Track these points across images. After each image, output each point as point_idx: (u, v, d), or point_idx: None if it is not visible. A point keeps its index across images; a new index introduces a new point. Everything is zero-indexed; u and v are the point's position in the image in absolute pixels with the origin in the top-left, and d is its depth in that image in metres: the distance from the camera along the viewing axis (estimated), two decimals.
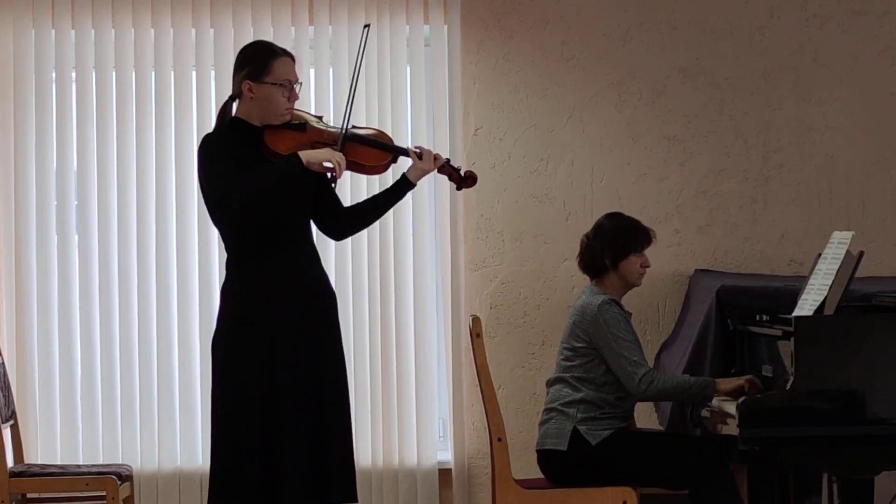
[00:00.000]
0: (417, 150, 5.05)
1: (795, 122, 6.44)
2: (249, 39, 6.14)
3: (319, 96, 6.35)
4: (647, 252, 5.41)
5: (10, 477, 5.70)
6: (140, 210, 6.37)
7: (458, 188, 5.18)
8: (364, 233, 5.99)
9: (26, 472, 5.79)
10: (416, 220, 6.37)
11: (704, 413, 5.34)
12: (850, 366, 4.83)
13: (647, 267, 5.41)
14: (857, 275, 5.02)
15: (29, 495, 5.91)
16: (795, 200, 6.43)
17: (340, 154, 4.83)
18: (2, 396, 5.90)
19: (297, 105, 4.99)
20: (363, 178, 6.13)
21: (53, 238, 6.39)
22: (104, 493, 5.71)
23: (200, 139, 6.17)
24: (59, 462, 6.27)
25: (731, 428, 4.99)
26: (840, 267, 5.04)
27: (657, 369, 6.00)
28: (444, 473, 6.36)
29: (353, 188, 6.23)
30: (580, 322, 5.30)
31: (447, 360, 6.37)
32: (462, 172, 5.12)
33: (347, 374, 5.02)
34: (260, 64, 4.90)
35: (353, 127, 5.01)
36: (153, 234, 6.37)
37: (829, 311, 4.99)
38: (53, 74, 6.39)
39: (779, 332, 5.17)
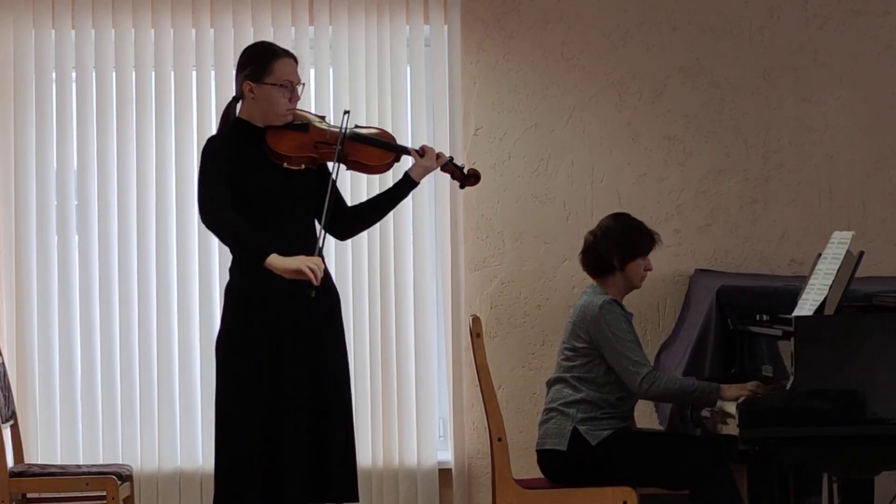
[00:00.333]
0: (419, 149, 5.05)
1: (795, 122, 6.44)
2: (249, 39, 6.16)
3: (319, 96, 6.35)
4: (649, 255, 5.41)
5: (11, 477, 5.70)
6: (140, 210, 6.37)
7: (462, 186, 5.19)
8: (364, 233, 5.98)
9: (26, 472, 5.79)
10: (416, 220, 6.37)
11: (704, 413, 5.34)
12: (850, 366, 4.83)
13: (650, 270, 5.41)
14: (857, 275, 5.02)
15: (29, 495, 5.91)
16: (795, 200, 6.43)
17: (316, 260, 4.74)
18: (2, 396, 5.90)
19: (297, 104, 4.99)
20: (364, 177, 6.13)
21: (53, 238, 6.39)
22: (104, 493, 5.71)
23: (200, 139, 6.24)
24: (59, 462, 6.27)
25: (731, 428, 4.99)
26: (840, 267, 5.04)
27: (658, 370, 6.00)
28: (444, 473, 6.37)
29: (354, 187, 6.23)
30: (581, 322, 5.30)
31: (447, 360, 6.37)
32: (465, 171, 5.13)
33: (350, 375, 5.02)
34: (261, 65, 4.90)
35: (356, 126, 5.01)
36: (153, 234, 6.37)
37: (829, 311, 4.99)
38: (53, 74, 6.39)
39: (779, 332, 5.18)
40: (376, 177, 6.06)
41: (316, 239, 4.90)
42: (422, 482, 6.33)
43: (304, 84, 5.00)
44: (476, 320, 5.39)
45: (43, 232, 6.37)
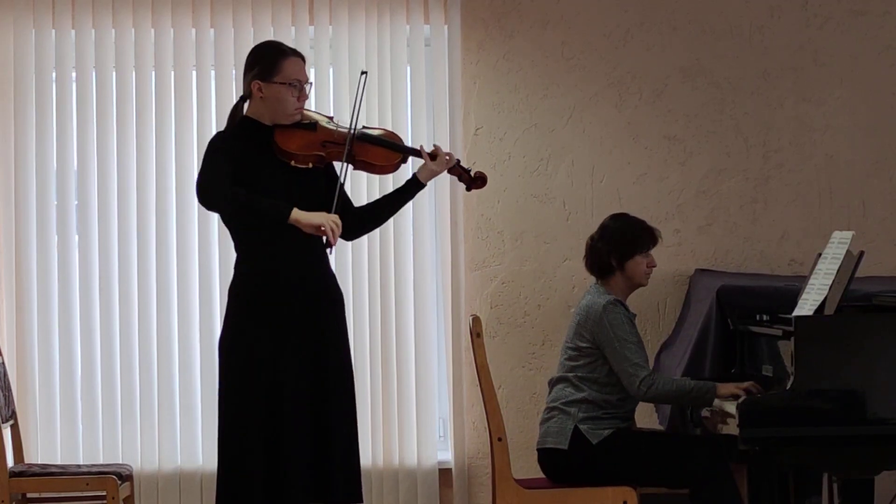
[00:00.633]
0: (431, 152, 5.05)
1: (795, 122, 6.44)
2: (249, 39, 6.17)
3: (320, 96, 6.35)
4: (652, 252, 5.41)
5: (11, 477, 5.70)
6: (140, 210, 6.37)
7: (469, 189, 5.20)
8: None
9: (26, 472, 5.79)
10: (416, 220, 6.37)
11: (704, 413, 5.34)
12: (850, 366, 4.83)
13: (654, 267, 5.41)
14: (857, 275, 5.02)
15: (29, 495, 5.91)
16: (795, 200, 6.43)
17: (336, 219, 4.80)
18: (2, 396, 5.90)
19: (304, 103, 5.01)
20: (368, 177, 6.14)
21: (53, 238, 6.39)
22: (104, 493, 5.71)
23: (200, 139, 6.24)
24: (59, 462, 6.26)
25: (731, 428, 4.99)
26: (840, 267, 5.04)
27: (658, 370, 6.00)
28: (444, 473, 6.36)
29: (357, 188, 6.23)
30: (584, 322, 5.31)
31: (447, 360, 6.37)
32: (472, 173, 5.13)
33: (354, 375, 5.02)
34: (269, 64, 4.91)
35: (364, 127, 5.01)
36: (153, 234, 6.36)
37: (829, 310, 4.99)
38: (53, 74, 6.39)
39: (779, 332, 5.18)
40: (379, 177, 6.07)
41: (321, 238, 4.92)
42: (422, 482, 6.33)
43: (311, 83, 5.01)
44: (476, 320, 5.39)
45: (43, 232, 6.37)
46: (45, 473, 5.80)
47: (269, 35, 6.21)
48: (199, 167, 4.91)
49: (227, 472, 4.85)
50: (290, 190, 4.90)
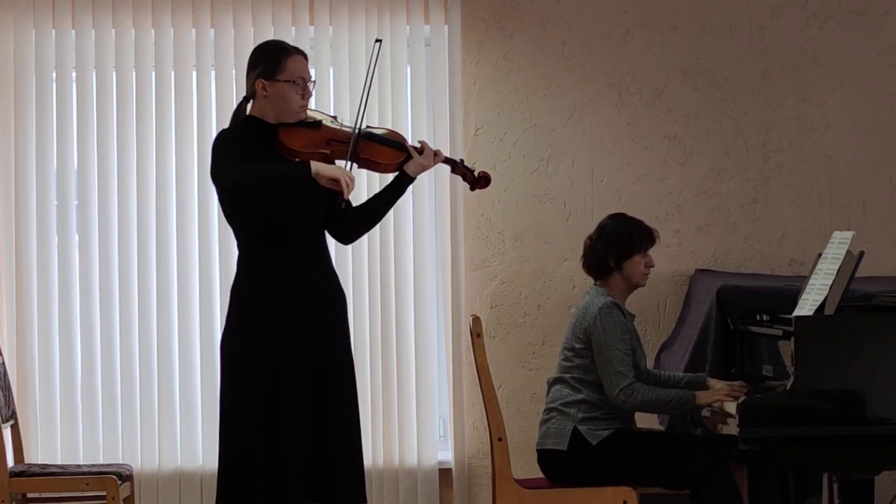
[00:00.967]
0: (417, 145, 5.05)
1: (795, 122, 6.44)
2: (250, 39, 6.17)
3: (320, 96, 6.35)
4: (650, 252, 5.41)
5: (11, 477, 5.70)
6: (140, 210, 6.37)
7: (472, 188, 5.20)
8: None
9: (26, 472, 5.79)
10: (416, 220, 6.37)
11: (704, 413, 5.34)
12: (850, 366, 4.83)
13: (652, 267, 5.41)
14: (857, 275, 5.02)
15: (29, 495, 5.91)
16: (795, 200, 6.43)
17: (352, 175, 4.82)
18: (2, 396, 5.90)
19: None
20: (369, 175, 6.15)
21: (53, 238, 6.39)
22: (104, 493, 5.71)
23: (200, 139, 6.24)
24: (59, 462, 6.27)
25: (731, 428, 4.99)
26: (840, 267, 5.04)
27: (658, 366, 6.01)
28: (444, 473, 6.37)
29: (359, 187, 6.21)
30: (581, 323, 5.31)
31: (447, 360, 6.37)
32: (476, 173, 5.13)
33: (356, 376, 5.02)
34: (273, 62, 4.91)
35: (368, 126, 5.02)
36: (153, 234, 6.36)
37: (829, 311, 4.99)
38: (53, 74, 6.39)
39: (779, 332, 5.18)
40: (378, 178, 6.07)
41: (324, 238, 4.95)
42: (422, 482, 6.33)
43: (314, 81, 5.01)
44: (476, 320, 5.39)
45: (43, 232, 6.37)
46: (45, 473, 5.80)
47: (269, 35, 6.22)
48: (216, 163, 4.87)
49: (228, 473, 4.85)
50: (298, 189, 4.89)
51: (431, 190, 6.37)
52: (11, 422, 5.98)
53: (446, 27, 6.37)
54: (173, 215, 6.36)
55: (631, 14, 6.42)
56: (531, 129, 6.43)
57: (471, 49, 6.41)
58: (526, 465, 5.84)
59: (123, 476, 5.84)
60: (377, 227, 5.90)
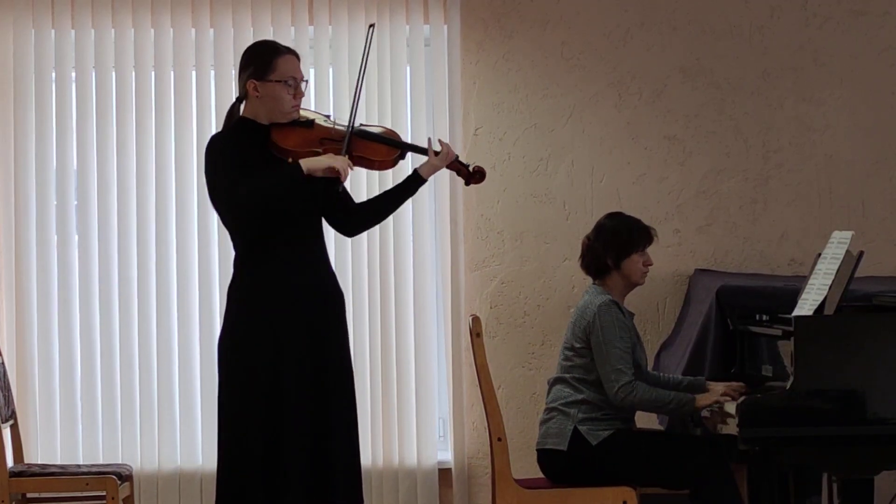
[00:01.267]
0: (437, 148, 5.04)
1: (795, 122, 6.44)
2: (249, 39, 6.15)
3: (319, 96, 6.35)
4: (648, 250, 5.41)
5: (10, 477, 5.70)
6: (140, 210, 6.37)
7: (467, 184, 5.19)
8: (364, 233, 5.98)
9: (26, 472, 5.79)
10: (416, 220, 6.37)
11: (704, 413, 5.34)
12: (850, 366, 4.83)
13: (650, 265, 5.41)
14: (857, 275, 5.02)
15: (29, 495, 5.91)
16: (795, 200, 6.43)
17: (343, 158, 4.82)
18: (2, 396, 5.90)
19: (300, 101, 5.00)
20: (369, 172, 6.16)
21: (53, 238, 6.39)
22: (104, 493, 5.70)
23: (200, 139, 6.23)
24: (59, 462, 6.27)
25: (731, 428, 4.99)
26: (840, 267, 5.03)
27: (658, 366, 6.01)
28: (444, 473, 6.36)
29: (359, 183, 6.23)
30: (580, 322, 5.31)
31: (447, 360, 6.37)
32: (471, 168, 5.13)
33: (354, 376, 5.02)
34: (264, 62, 4.90)
35: (361, 124, 5.02)
36: (153, 234, 6.36)
37: (829, 311, 4.99)
38: (53, 74, 6.39)
39: (779, 332, 5.17)
40: (376, 172, 6.09)
41: (323, 238, 4.94)
42: (422, 482, 6.33)
43: (307, 81, 5.00)
44: (476, 320, 5.39)
45: (43, 232, 6.37)
46: (45, 473, 5.80)
47: (268, 35, 6.21)
48: (210, 172, 4.86)
49: (227, 474, 4.85)
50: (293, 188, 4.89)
51: (431, 190, 6.37)
52: (11, 422, 5.98)
53: (446, 27, 6.37)
54: (173, 215, 6.36)
55: (631, 14, 6.42)
56: (531, 129, 6.43)
57: (470, 49, 6.41)
58: (526, 465, 5.84)
59: (123, 476, 5.84)
60: (377, 227, 5.93)
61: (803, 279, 5.39)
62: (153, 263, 6.36)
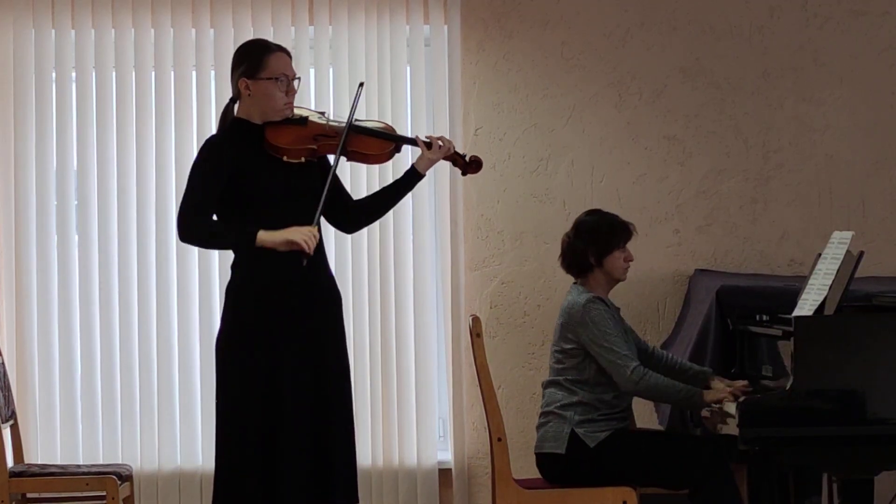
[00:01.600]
0: (427, 140, 5.04)
1: (795, 122, 6.44)
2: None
3: (319, 96, 6.35)
4: (632, 246, 5.40)
5: (10, 477, 5.70)
6: (140, 210, 6.37)
7: (464, 174, 5.19)
8: (364, 232, 5.99)
9: (26, 472, 5.79)
10: (416, 219, 6.37)
11: (704, 413, 5.34)
12: (850, 366, 4.83)
13: (631, 261, 5.41)
14: (857, 275, 5.02)
15: (29, 495, 5.91)
16: (795, 200, 6.43)
17: (309, 230, 4.76)
18: (2, 396, 5.90)
19: (297, 103, 4.99)
20: (366, 169, 6.16)
21: (53, 238, 6.39)
22: (104, 493, 5.71)
23: (200, 139, 6.23)
24: (59, 462, 6.27)
25: (731, 428, 4.99)
26: (840, 267, 5.04)
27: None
28: (444, 473, 6.37)
29: (355, 180, 6.23)
30: (567, 323, 5.30)
31: (447, 360, 6.37)
32: (467, 158, 5.12)
33: (351, 376, 5.02)
34: (254, 61, 4.90)
35: (356, 120, 5.01)
36: (153, 234, 6.37)
37: (829, 311, 4.99)
38: (53, 74, 6.39)
39: (779, 332, 5.17)
40: (376, 167, 6.09)
41: (321, 240, 4.92)
42: (422, 482, 6.33)
43: (299, 78, 4.99)
44: (476, 320, 5.39)
45: (43, 232, 6.37)
46: (45, 473, 5.80)
47: (269, 35, 6.21)
48: (188, 180, 4.87)
49: (225, 473, 4.84)
50: (289, 187, 4.89)
51: (431, 190, 6.37)
52: (11, 422, 5.98)
53: (446, 27, 6.37)
54: (172, 215, 6.35)
55: (631, 14, 6.42)
56: (531, 128, 6.43)
57: (470, 49, 6.41)
58: (526, 466, 5.84)
59: (123, 476, 5.84)
60: (376, 226, 5.95)
61: (803, 279, 5.39)
62: (153, 263, 6.36)
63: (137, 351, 6.35)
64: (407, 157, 5.67)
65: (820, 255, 5.27)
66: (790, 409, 4.82)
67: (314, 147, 4.92)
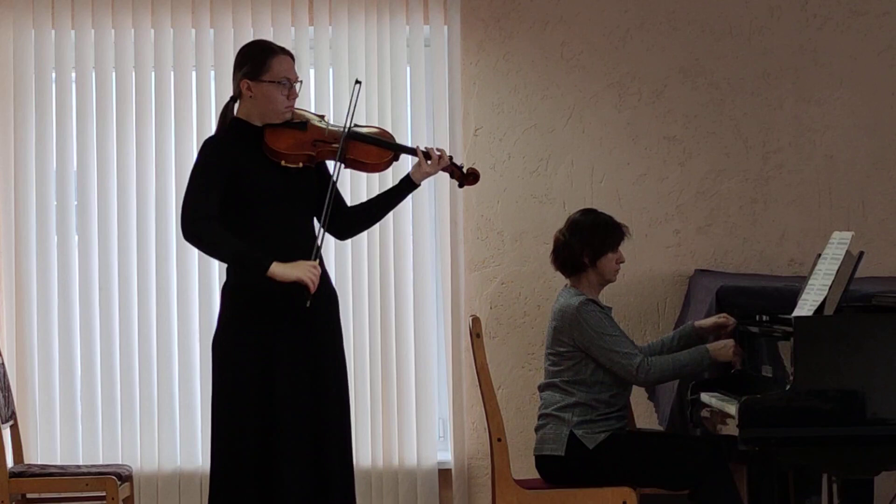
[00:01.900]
0: (426, 151, 5.03)
1: (795, 122, 6.44)
2: (249, 40, 6.15)
3: (319, 96, 6.35)
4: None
5: (10, 477, 5.70)
6: (140, 210, 6.37)
7: (461, 185, 5.19)
8: (364, 233, 5.98)
9: (26, 473, 5.79)
10: (416, 220, 6.37)
11: (704, 413, 5.34)
12: (850, 366, 4.83)
13: (622, 262, 5.41)
14: (857, 275, 5.01)
15: (29, 495, 5.91)
16: (795, 200, 6.43)
17: (313, 266, 4.78)
18: (2, 396, 5.90)
19: (297, 104, 4.99)
20: (363, 176, 6.15)
21: (53, 238, 6.39)
22: (104, 494, 5.71)
23: (200, 139, 6.23)
24: (59, 462, 6.27)
25: (731, 428, 4.99)
26: (840, 267, 5.03)
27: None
28: (444, 473, 6.37)
29: (353, 187, 6.23)
30: (561, 326, 5.29)
31: (447, 360, 6.37)
32: (465, 170, 5.12)
33: (348, 376, 5.01)
34: (258, 62, 4.89)
35: (355, 126, 5.01)
36: (153, 234, 6.37)
37: (829, 311, 4.98)
38: (53, 74, 6.39)
39: (779, 333, 5.17)
40: (376, 176, 6.08)
41: (315, 237, 4.90)
42: (422, 482, 6.33)
43: (301, 81, 4.99)
44: (476, 320, 5.39)
45: (43, 232, 6.37)
46: (45, 474, 5.80)
47: (268, 35, 6.21)
48: (189, 180, 4.87)
49: (221, 474, 4.84)
50: (287, 191, 4.89)
51: (431, 191, 6.37)
52: (11, 422, 5.98)
53: (446, 28, 6.37)
54: (173, 215, 6.36)
55: (631, 14, 6.42)
56: (531, 129, 6.43)
57: (470, 50, 6.41)
58: (525, 466, 5.84)
59: (123, 476, 5.84)
60: (376, 226, 5.93)
61: (803, 279, 5.39)
62: (153, 263, 6.36)
63: (137, 351, 6.35)
64: (405, 162, 5.66)
65: (820, 255, 5.27)
66: (790, 409, 4.82)
67: (313, 153, 4.92)
